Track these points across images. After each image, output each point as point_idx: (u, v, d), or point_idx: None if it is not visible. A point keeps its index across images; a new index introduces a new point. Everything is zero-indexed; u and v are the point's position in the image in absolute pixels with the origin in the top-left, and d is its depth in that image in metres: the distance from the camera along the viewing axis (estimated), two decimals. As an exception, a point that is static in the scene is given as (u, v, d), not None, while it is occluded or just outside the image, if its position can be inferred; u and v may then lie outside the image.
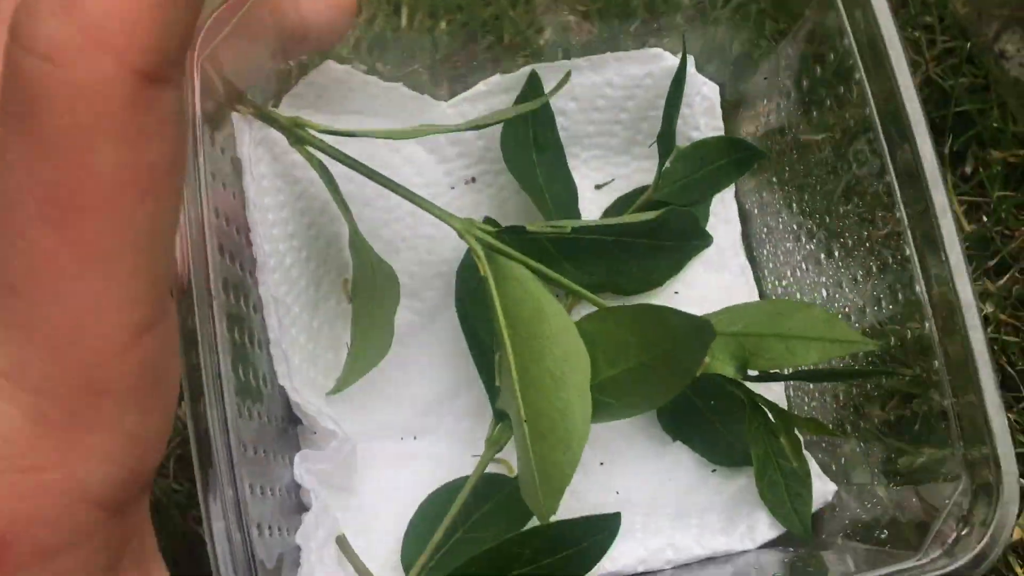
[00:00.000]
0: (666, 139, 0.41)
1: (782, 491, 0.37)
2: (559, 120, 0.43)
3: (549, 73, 0.41)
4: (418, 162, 0.43)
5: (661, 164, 0.42)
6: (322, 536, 0.35)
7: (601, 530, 0.33)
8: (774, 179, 0.43)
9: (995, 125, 0.48)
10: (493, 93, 0.43)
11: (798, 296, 0.42)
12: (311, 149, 0.36)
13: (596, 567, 0.34)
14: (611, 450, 0.41)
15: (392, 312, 0.40)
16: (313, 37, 0.34)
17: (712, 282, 0.44)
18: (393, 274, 0.40)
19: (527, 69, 0.42)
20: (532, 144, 0.42)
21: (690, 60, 0.43)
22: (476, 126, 0.38)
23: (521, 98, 0.41)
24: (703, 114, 0.44)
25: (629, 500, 0.40)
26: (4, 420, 0.19)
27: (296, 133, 0.35)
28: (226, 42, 0.32)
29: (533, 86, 0.41)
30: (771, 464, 0.37)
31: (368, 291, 0.38)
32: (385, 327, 0.39)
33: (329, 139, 0.36)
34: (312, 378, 0.40)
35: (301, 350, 0.39)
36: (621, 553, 0.37)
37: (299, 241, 0.39)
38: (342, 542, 0.37)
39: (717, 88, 0.44)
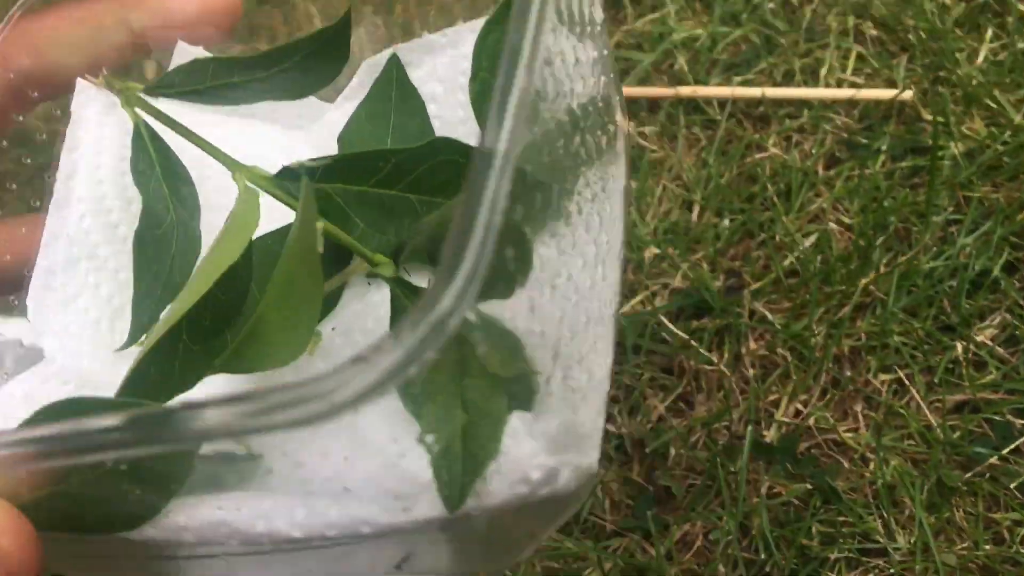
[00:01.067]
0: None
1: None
2: (431, 108, 0.38)
3: (411, 55, 0.38)
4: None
5: None
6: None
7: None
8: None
9: None
10: (366, 85, 0.39)
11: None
12: (139, 111, 0.36)
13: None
14: None
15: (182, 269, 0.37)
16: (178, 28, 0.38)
17: None
18: (194, 233, 0.37)
19: (387, 52, 0.38)
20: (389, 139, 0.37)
21: None
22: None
23: (377, 89, 0.37)
24: None
25: None
26: None
27: (127, 96, 0.37)
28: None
29: (396, 73, 0.37)
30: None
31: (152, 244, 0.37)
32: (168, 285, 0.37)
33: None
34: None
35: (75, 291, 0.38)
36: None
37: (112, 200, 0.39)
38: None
39: None
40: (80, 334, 0.38)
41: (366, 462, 0.28)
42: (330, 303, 0.35)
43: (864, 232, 0.58)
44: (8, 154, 0.41)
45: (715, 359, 0.56)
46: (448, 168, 0.33)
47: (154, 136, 0.37)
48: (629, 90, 0.67)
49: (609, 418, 0.55)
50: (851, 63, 0.67)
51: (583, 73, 0.32)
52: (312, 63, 0.36)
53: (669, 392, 0.56)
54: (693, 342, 0.56)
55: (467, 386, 0.27)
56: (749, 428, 0.52)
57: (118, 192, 0.39)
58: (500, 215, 0.21)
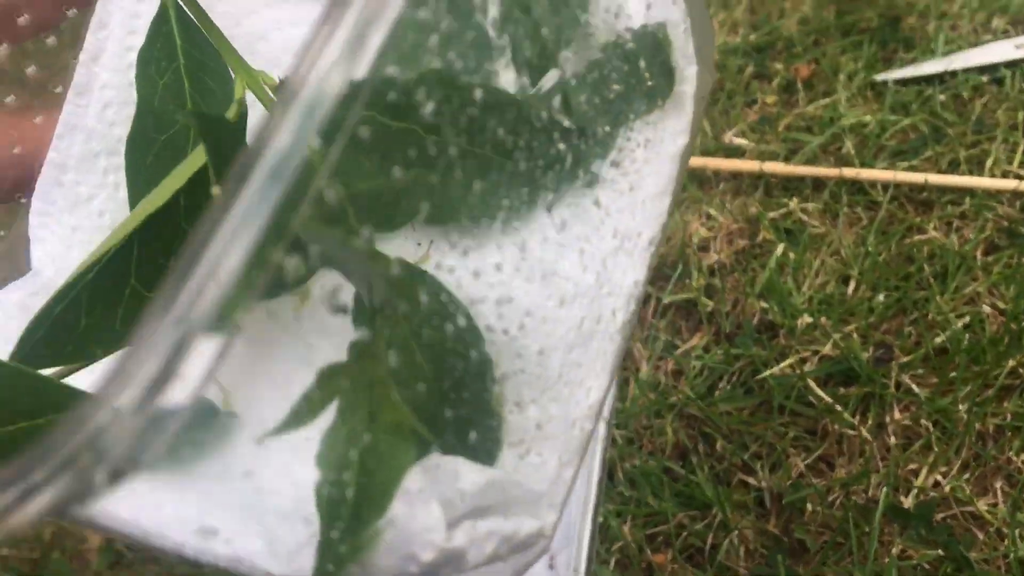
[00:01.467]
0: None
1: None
2: None
3: None
4: None
5: None
6: None
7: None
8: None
9: None
10: None
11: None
12: None
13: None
14: None
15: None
16: None
17: None
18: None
19: None
20: None
21: None
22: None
23: None
24: None
25: None
26: None
27: None
28: None
29: None
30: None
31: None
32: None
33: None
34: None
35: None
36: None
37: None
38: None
39: None
40: (89, 240, 0.34)
41: (274, 496, 0.23)
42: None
43: (1017, 316, 0.60)
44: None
45: (859, 425, 0.58)
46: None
47: (185, 19, 0.31)
48: (795, 168, 0.70)
49: (750, 472, 0.58)
50: (1018, 156, 0.69)
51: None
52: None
53: (811, 452, 0.58)
54: (838, 407, 0.59)
55: (377, 422, 0.22)
56: (886, 491, 0.54)
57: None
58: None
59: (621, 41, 0.28)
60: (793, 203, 0.69)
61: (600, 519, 0.58)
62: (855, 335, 0.62)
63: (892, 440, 0.57)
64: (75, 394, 0.21)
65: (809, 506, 0.56)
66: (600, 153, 0.28)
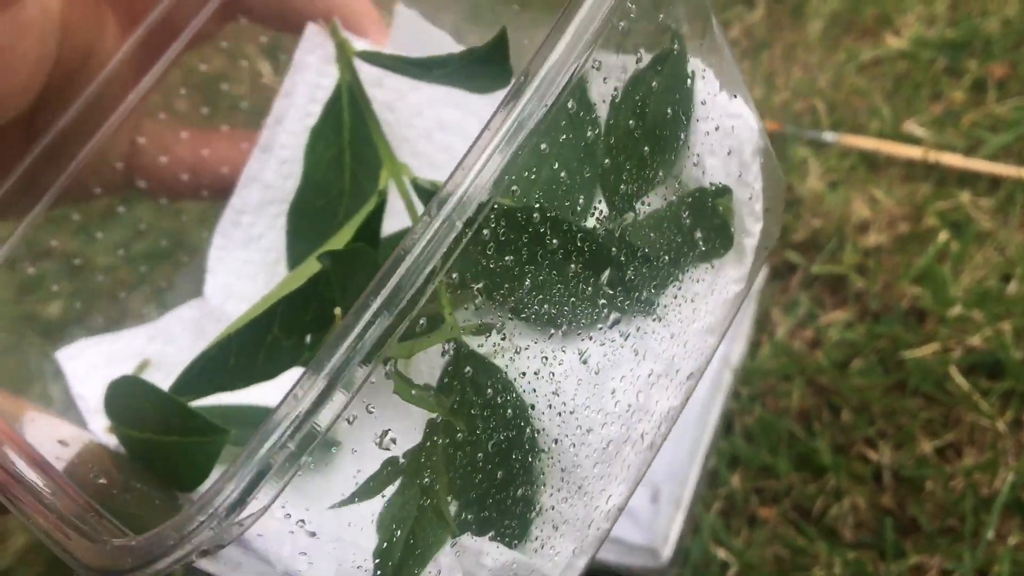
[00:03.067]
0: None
1: None
2: None
3: None
4: None
5: None
6: None
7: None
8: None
9: None
10: None
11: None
12: (356, 60, 0.35)
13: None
14: None
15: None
16: None
17: None
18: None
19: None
20: None
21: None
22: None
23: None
24: None
25: None
26: None
27: (343, 50, 0.35)
28: None
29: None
30: None
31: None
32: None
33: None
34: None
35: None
36: None
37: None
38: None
39: None
40: (255, 273, 0.40)
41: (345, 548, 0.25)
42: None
43: None
44: (247, 71, 0.41)
45: (996, 417, 0.56)
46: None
47: (355, 99, 0.36)
48: (973, 163, 0.68)
49: (873, 447, 0.57)
50: None
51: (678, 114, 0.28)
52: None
53: (940, 437, 0.56)
54: (977, 397, 0.57)
55: (425, 507, 0.25)
56: (1012, 483, 0.52)
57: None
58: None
59: (691, 197, 0.29)
60: (965, 196, 0.67)
61: (711, 465, 0.58)
62: (1007, 330, 0.59)
63: (1029, 437, 0.55)
64: (206, 425, 0.26)
65: (928, 486, 0.54)
66: (653, 293, 0.28)
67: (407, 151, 0.37)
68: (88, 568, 0.21)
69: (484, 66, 0.30)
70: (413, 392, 0.24)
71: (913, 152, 0.70)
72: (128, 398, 0.28)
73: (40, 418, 0.29)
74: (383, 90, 0.38)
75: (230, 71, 0.40)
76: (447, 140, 0.39)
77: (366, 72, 0.37)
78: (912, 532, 0.53)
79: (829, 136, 0.73)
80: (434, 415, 0.24)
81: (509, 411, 0.26)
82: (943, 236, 0.65)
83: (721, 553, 0.55)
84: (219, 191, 0.39)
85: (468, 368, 0.25)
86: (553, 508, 0.28)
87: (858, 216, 0.68)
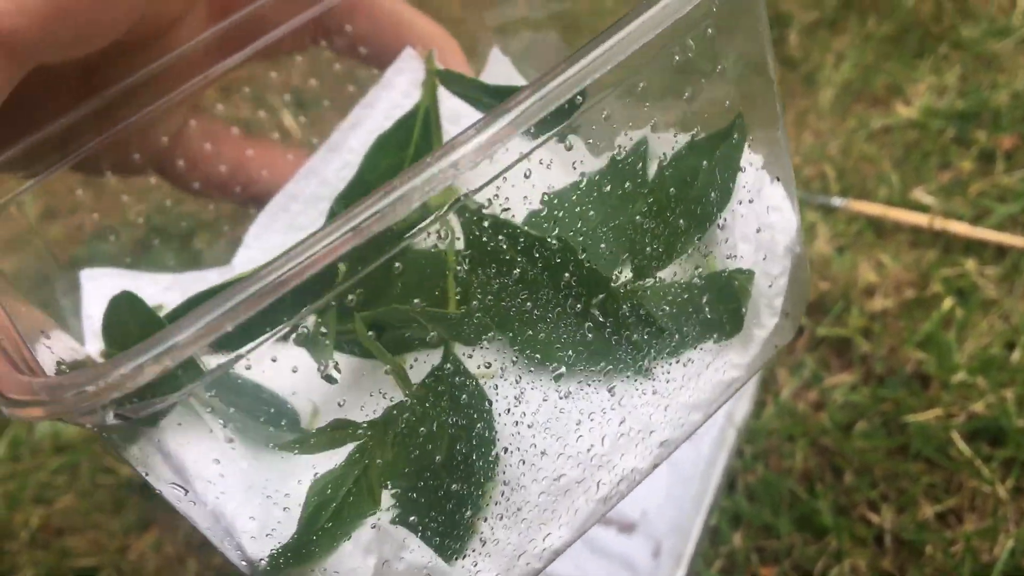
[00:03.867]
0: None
1: None
2: None
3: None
4: None
5: None
6: None
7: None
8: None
9: None
10: None
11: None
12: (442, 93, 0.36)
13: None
14: None
15: None
16: None
17: None
18: None
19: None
20: None
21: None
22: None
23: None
24: None
25: None
26: None
27: (430, 76, 0.37)
28: None
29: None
30: None
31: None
32: None
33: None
34: None
35: None
36: None
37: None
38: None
39: None
40: None
41: (282, 497, 0.26)
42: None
43: None
44: (311, 91, 0.42)
45: (997, 484, 0.56)
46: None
47: (428, 122, 0.37)
48: (980, 231, 0.69)
49: (875, 509, 0.57)
50: None
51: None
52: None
53: (941, 502, 0.57)
54: (979, 463, 0.57)
55: (362, 482, 0.26)
56: (1011, 550, 0.53)
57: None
58: None
59: (714, 275, 0.30)
60: (970, 264, 0.68)
61: (713, 522, 0.58)
62: (1010, 398, 0.60)
63: (1030, 505, 0.55)
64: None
65: (929, 550, 0.54)
66: (651, 355, 0.29)
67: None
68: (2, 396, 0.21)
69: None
70: (370, 333, 0.24)
71: (920, 219, 0.71)
72: (123, 316, 0.28)
73: (50, 328, 0.29)
74: (457, 127, 0.38)
75: (297, 85, 0.41)
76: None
77: (446, 107, 0.38)
78: (912, 596, 0.53)
79: (838, 201, 0.74)
80: (386, 370, 0.25)
81: (466, 398, 0.26)
82: (948, 303, 0.66)
83: (721, 611, 0.56)
84: (252, 195, 0.40)
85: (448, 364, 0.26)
86: (486, 520, 0.28)
87: (865, 280, 0.69)
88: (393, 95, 0.40)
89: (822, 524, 0.57)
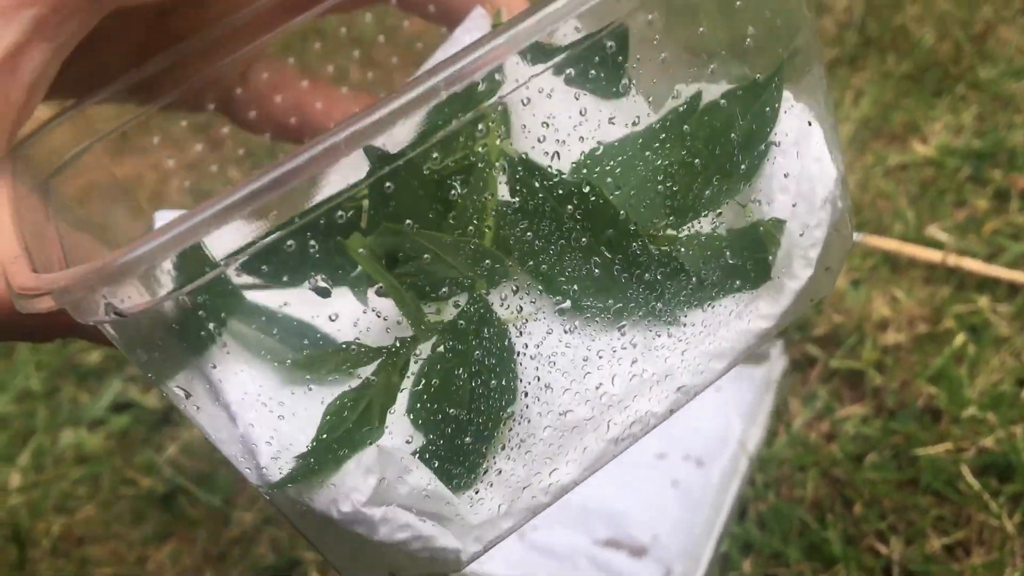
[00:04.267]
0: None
1: None
2: None
3: None
4: None
5: None
6: None
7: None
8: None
9: None
10: None
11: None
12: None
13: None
14: None
15: None
16: None
17: None
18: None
19: None
20: None
21: None
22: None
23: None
24: None
25: None
26: None
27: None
28: None
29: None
30: None
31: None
32: None
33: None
34: None
35: None
36: None
37: None
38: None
39: None
40: None
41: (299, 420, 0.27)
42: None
43: None
44: (380, 48, 0.42)
45: (1005, 519, 0.57)
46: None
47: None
48: (994, 269, 0.70)
49: (884, 540, 0.58)
50: None
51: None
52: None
53: (949, 535, 0.57)
54: (987, 497, 0.58)
55: (370, 407, 0.27)
56: (1018, 584, 0.53)
57: None
58: None
59: (748, 225, 0.30)
60: (984, 301, 0.69)
61: (723, 549, 0.59)
62: (1020, 434, 0.61)
63: (1037, 540, 0.56)
64: None
65: (936, 583, 0.55)
66: (678, 303, 0.29)
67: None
68: (10, 287, 0.23)
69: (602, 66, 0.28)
70: (360, 251, 0.25)
71: (935, 255, 0.72)
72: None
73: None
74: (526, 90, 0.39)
75: (367, 41, 0.42)
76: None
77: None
78: (918, 627, 0.54)
79: (854, 236, 0.75)
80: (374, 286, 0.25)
81: (482, 330, 0.27)
82: (960, 339, 0.67)
83: (729, 637, 0.56)
84: (305, 130, 0.40)
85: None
86: (504, 452, 0.28)
87: (878, 314, 0.70)
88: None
89: (831, 553, 0.58)
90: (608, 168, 0.27)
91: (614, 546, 0.60)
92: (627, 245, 0.27)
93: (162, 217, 0.40)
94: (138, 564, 0.67)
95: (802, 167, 0.29)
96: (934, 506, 0.59)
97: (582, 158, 0.26)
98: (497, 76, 0.22)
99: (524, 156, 0.26)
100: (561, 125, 0.25)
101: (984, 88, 0.86)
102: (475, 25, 0.39)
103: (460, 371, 0.27)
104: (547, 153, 0.26)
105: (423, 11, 0.40)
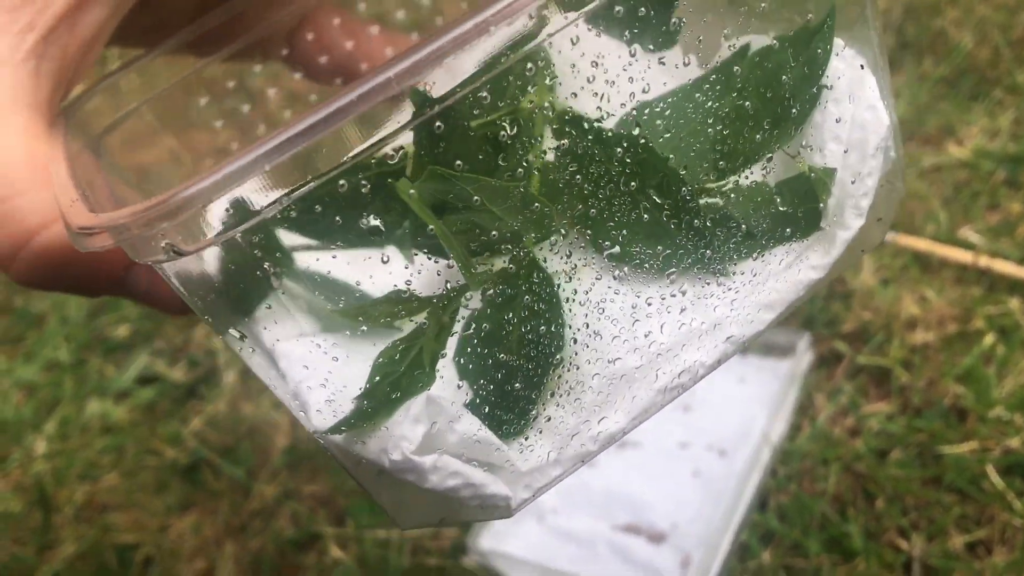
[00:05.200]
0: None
1: None
2: None
3: None
4: None
5: None
6: None
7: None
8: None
9: None
10: None
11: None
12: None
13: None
14: None
15: None
16: None
17: None
18: None
19: None
20: None
21: None
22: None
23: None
24: None
25: None
26: None
27: None
28: None
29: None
30: None
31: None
32: None
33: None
34: None
35: None
36: None
37: None
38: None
39: None
40: None
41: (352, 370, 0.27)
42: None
43: None
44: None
45: (1029, 519, 0.57)
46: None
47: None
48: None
49: (905, 536, 0.58)
50: None
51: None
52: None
53: (971, 533, 0.57)
54: (1011, 496, 0.58)
55: (419, 354, 0.27)
56: (1041, 583, 0.53)
57: None
58: None
59: (799, 174, 0.29)
60: (1015, 303, 0.68)
61: (743, 538, 0.59)
62: (1047, 436, 0.60)
63: (1061, 541, 0.55)
64: None
65: (957, 579, 0.55)
66: (728, 253, 0.29)
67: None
68: (68, 227, 0.23)
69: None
70: (410, 192, 0.25)
71: (966, 257, 0.72)
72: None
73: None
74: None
75: None
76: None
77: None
78: (937, 623, 0.54)
79: (889, 228, 0.75)
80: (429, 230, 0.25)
81: (531, 279, 0.27)
82: (990, 339, 0.66)
83: (746, 626, 0.56)
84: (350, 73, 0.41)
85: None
86: (554, 399, 0.28)
87: (907, 313, 0.69)
88: None
89: (852, 547, 0.57)
90: (657, 113, 0.27)
91: (633, 531, 0.60)
92: (676, 193, 0.27)
93: None
94: (160, 532, 0.68)
95: (854, 114, 0.29)
96: (957, 504, 0.58)
97: (631, 103, 0.26)
98: (546, 12, 0.22)
99: (571, 104, 0.26)
100: (610, 65, 0.25)
101: (1022, 93, 0.86)
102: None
103: (510, 316, 0.27)
104: (596, 94, 0.26)
105: None
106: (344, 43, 0.40)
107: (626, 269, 0.28)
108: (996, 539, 0.57)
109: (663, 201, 0.27)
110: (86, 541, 0.68)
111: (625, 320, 0.28)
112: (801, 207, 0.29)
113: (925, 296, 0.70)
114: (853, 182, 0.29)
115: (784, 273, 0.30)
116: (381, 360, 0.26)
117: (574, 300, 0.28)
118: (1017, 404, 0.62)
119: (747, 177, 0.29)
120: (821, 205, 0.29)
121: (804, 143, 0.29)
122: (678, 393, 0.30)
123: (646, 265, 0.28)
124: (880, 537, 0.58)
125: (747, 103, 0.28)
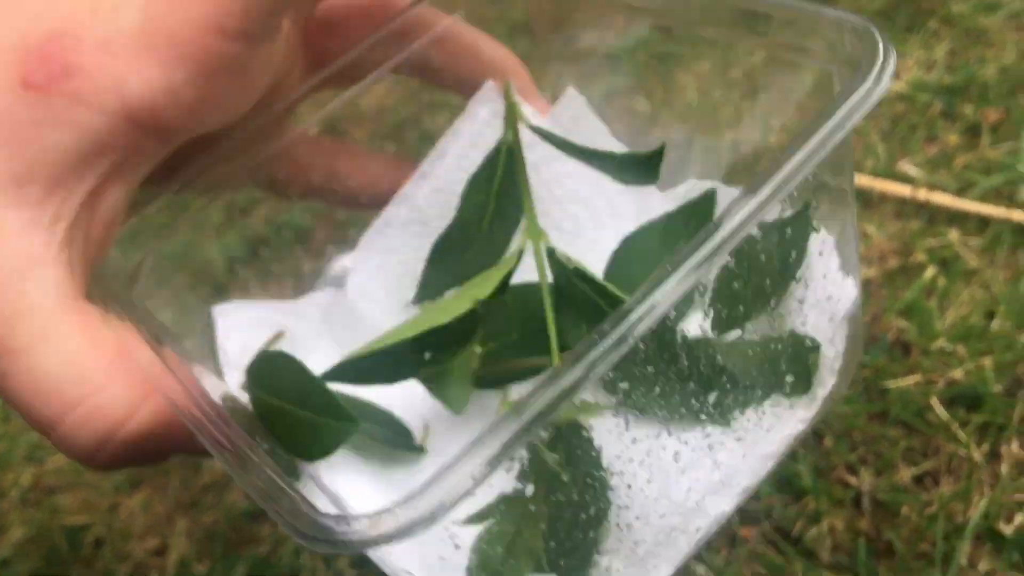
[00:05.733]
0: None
1: None
2: None
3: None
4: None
5: None
6: None
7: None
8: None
9: None
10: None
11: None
12: (521, 127, 0.41)
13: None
14: None
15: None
16: None
17: None
18: (499, 250, 0.42)
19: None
20: None
21: None
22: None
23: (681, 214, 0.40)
24: None
25: None
26: None
27: (511, 112, 0.42)
28: None
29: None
30: None
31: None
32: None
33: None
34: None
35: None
36: None
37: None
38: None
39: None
40: (386, 276, 0.46)
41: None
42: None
43: None
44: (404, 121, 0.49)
45: (973, 449, 0.57)
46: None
47: (512, 159, 0.41)
48: (964, 203, 0.70)
49: (853, 472, 0.58)
50: None
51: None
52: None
53: (918, 466, 0.58)
54: (956, 428, 0.58)
55: (517, 543, 0.30)
56: (985, 512, 0.54)
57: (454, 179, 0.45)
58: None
59: (787, 339, 0.34)
60: (954, 235, 0.69)
61: (694, 484, 0.59)
62: (988, 366, 0.61)
63: (1004, 469, 0.56)
64: (341, 410, 0.30)
65: (905, 512, 0.55)
66: (738, 412, 0.33)
67: (539, 212, 0.42)
68: (303, 534, 0.24)
69: (636, 166, 0.36)
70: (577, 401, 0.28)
71: (905, 190, 0.72)
72: (274, 368, 0.32)
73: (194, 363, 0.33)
74: (534, 153, 0.42)
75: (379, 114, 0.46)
76: (575, 211, 0.45)
77: (525, 133, 0.42)
78: (887, 556, 0.54)
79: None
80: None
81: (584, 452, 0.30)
82: (931, 272, 0.67)
83: (701, 570, 0.57)
84: (345, 200, 0.47)
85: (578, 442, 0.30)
86: (613, 561, 0.32)
87: (849, 250, 0.69)
88: (476, 125, 0.44)
89: (801, 486, 0.58)
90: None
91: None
92: (679, 352, 0.31)
93: (221, 312, 0.44)
94: (109, 512, 0.67)
95: (828, 290, 0.33)
96: (903, 438, 0.59)
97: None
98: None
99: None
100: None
101: (956, 23, 0.86)
102: (487, 96, 0.43)
103: (570, 494, 0.30)
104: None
105: (439, 81, 0.45)
106: (313, 169, 0.44)
107: (683, 451, 0.32)
108: (943, 470, 0.57)
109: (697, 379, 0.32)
110: (34, 524, 0.67)
111: (676, 492, 0.33)
112: (794, 372, 0.34)
113: (867, 232, 0.71)
114: (831, 354, 0.35)
115: (779, 426, 0.35)
116: (481, 547, 0.30)
117: (633, 487, 0.32)
118: (959, 335, 0.63)
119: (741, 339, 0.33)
120: (812, 377, 0.35)
121: (791, 310, 0.34)
122: (707, 537, 0.36)
123: (685, 430, 0.33)
124: (829, 474, 0.59)
125: (734, 282, 0.31)
